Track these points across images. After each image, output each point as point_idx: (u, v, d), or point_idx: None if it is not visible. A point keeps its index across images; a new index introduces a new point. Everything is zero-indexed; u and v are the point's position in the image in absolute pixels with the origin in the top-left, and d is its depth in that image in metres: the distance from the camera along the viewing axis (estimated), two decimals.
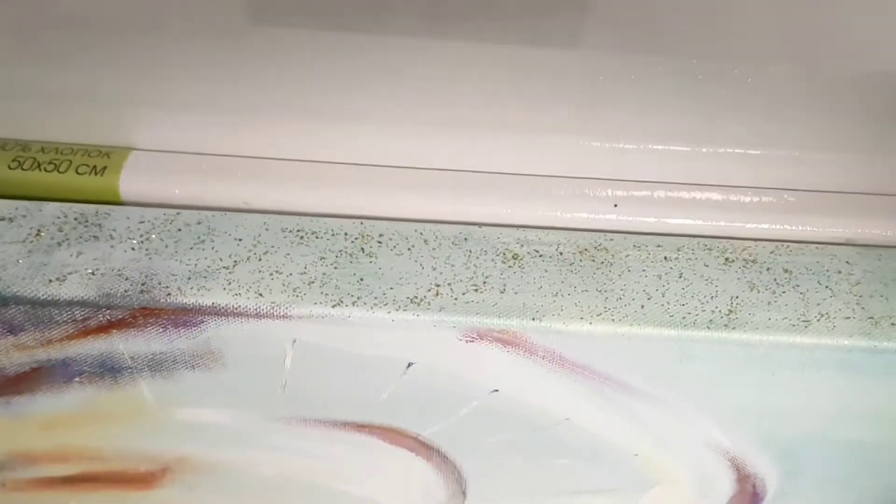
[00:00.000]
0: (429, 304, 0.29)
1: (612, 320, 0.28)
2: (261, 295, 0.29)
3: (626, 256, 0.30)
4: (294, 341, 0.29)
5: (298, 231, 0.31)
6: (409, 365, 0.30)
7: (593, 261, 0.30)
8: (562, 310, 0.29)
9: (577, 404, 0.31)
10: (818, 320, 0.29)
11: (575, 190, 0.32)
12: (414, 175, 0.33)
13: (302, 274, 0.29)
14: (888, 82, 0.31)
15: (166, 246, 0.30)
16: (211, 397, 0.32)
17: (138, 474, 0.35)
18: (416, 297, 0.29)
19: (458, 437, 0.33)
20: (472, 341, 0.29)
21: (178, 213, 0.31)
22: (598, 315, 0.28)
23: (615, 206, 0.32)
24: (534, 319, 0.28)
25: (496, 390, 0.31)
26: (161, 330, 0.29)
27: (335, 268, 0.30)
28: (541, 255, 0.30)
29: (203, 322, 0.29)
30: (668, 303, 0.29)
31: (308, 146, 0.33)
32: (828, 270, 0.30)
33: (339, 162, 0.33)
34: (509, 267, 0.30)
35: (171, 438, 0.33)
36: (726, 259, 0.31)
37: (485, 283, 0.29)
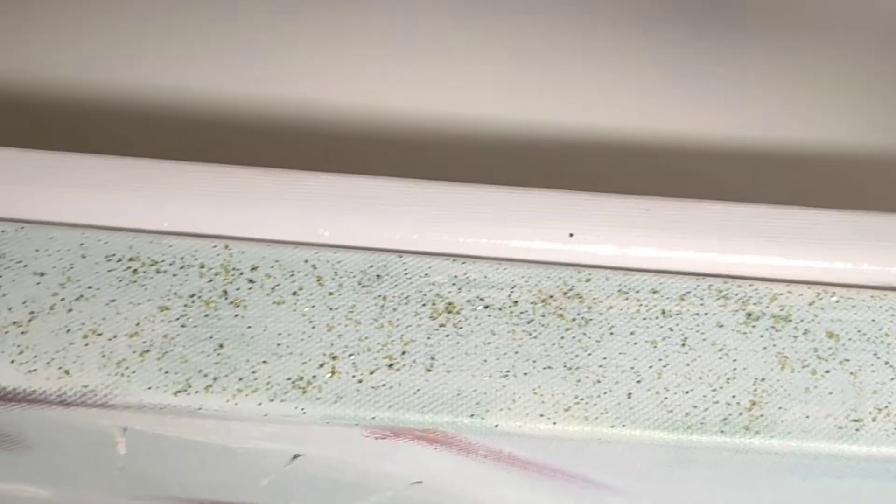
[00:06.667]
0: (319, 389, 0.19)
1: (586, 418, 0.20)
2: (67, 373, 0.19)
3: (609, 309, 0.21)
4: (125, 430, 0.20)
5: (131, 260, 0.21)
6: (296, 457, 0.21)
7: (562, 316, 0.21)
8: (514, 401, 0.20)
9: (530, 499, 0.23)
10: (874, 419, 0.20)
11: (540, 204, 0.23)
12: (305, 176, 0.22)
13: (132, 336, 0.20)
14: None
15: None
16: (21, 476, 0.23)
17: None
18: (301, 379, 0.19)
19: None
20: (384, 439, 0.20)
21: None
22: (565, 409, 0.20)
23: (571, 235, 0.22)
24: (472, 416, 0.19)
25: (419, 482, 0.22)
26: None
27: (182, 325, 0.20)
28: (486, 306, 0.21)
29: None
30: (665, 388, 0.20)
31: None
32: (888, 335, 0.22)
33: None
34: (440, 326, 0.21)
35: None
36: (748, 315, 0.21)
37: (404, 353, 0.20)
